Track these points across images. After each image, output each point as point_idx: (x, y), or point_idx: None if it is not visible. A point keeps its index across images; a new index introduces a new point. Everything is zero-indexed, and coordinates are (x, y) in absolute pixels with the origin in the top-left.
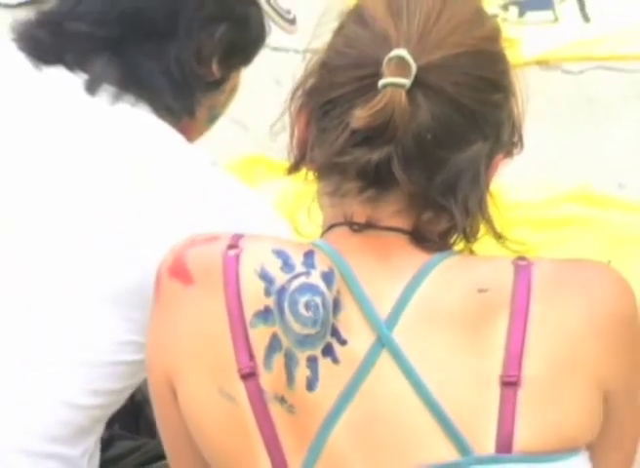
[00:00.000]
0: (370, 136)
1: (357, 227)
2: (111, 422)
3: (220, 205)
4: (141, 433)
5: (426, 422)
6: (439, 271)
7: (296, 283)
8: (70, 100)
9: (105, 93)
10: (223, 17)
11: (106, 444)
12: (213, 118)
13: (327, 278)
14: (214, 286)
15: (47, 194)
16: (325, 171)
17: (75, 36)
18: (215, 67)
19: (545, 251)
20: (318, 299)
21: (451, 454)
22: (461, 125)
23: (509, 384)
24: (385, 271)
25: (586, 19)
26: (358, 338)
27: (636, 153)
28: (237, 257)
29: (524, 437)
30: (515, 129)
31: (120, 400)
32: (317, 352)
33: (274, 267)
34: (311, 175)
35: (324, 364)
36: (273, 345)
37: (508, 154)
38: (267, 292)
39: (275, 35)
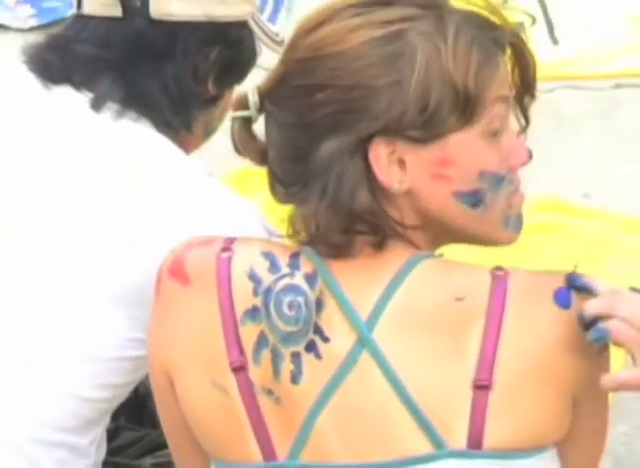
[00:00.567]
0: None
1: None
2: (117, 415)
3: (220, 205)
4: (145, 424)
5: (403, 417)
6: (417, 273)
7: (281, 283)
8: (77, 116)
9: (109, 110)
10: (218, 40)
11: (112, 434)
12: (209, 132)
13: (310, 279)
14: (208, 286)
15: (47, 194)
16: None
17: (81, 58)
18: (210, 86)
19: (518, 256)
20: (301, 299)
21: (426, 447)
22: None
23: (481, 387)
24: (365, 273)
25: (555, 41)
26: (340, 337)
27: (600, 165)
28: (229, 260)
29: (494, 435)
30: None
31: (124, 393)
32: (300, 348)
33: (262, 268)
34: None
35: (307, 359)
36: (261, 342)
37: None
38: (255, 292)
39: (265, 56)
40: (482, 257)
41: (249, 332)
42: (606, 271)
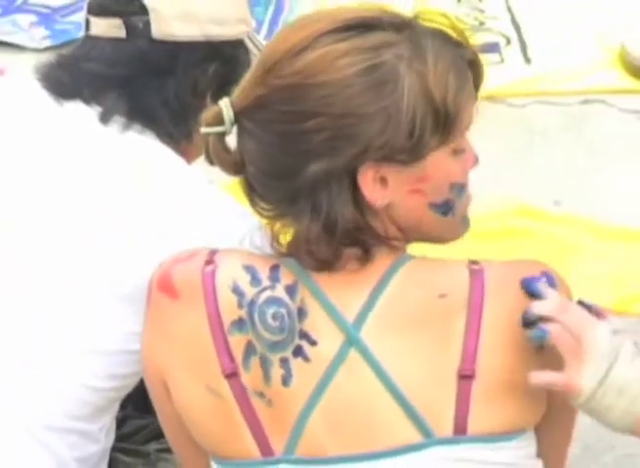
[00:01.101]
0: None
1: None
2: (125, 404)
3: (219, 206)
4: (150, 412)
5: (393, 410)
6: (401, 275)
7: (263, 296)
8: (85, 129)
9: (116, 123)
10: (215, 57)
11: (120, 422)
12: None
13: (290, 291)
14: (196, 299)
15: (50, 194)
16: None
17: (90, 75)
18: (209, 100)
19: (493, 258)
20: (283, 310)
21: (415, 437)
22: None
23: (465, 377)
24: (349, 281)
25: (528, 60)
26: (328, 339)
27: (569, 175)
28: (213, 273)
29: (478, 421)
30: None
31: (132, 383)
32: (288, 354)
33: (244, 282)
34: None
35: (296, 363)
36: (249, 350)
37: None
38: (240, 305)
39: None
40: (459, 257)
41: (237, 342)
42: (572, 274)
